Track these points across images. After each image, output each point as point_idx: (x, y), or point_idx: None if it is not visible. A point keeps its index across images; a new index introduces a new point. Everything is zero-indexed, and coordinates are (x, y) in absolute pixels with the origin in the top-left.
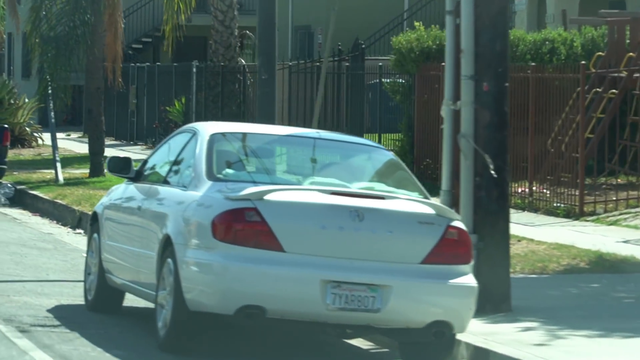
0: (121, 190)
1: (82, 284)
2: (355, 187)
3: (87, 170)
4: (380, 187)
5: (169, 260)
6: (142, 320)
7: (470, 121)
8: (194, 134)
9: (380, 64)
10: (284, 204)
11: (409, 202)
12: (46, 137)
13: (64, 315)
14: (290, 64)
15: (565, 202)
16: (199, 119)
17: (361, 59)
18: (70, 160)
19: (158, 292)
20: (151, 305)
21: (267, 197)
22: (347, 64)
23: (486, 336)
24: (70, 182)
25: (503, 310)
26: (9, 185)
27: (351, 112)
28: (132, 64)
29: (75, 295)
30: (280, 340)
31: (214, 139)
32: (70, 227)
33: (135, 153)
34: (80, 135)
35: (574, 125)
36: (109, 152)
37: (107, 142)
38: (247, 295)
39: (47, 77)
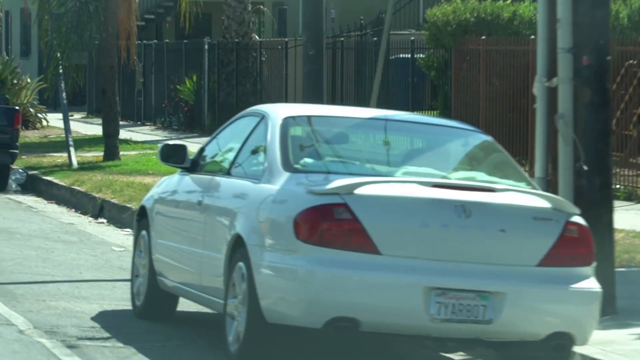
0: (174, 182)
1: (121, 284)
2: (453, 178)
3: (100, 153)
4: (481, 177)
5: (241, 264)
6: (202, 329)
7: (569, 100)
8: (262, 118)
9: (412, 38)
10: (379, 199)
11: (521, 194)
12: (51, 118)
13: (112, 324)
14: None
15: (622, 183)
16: (211, 98)
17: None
18: (79, 143)
19: (227, 300)
20: (206, 309)
21: (358, 190)
22: (375, 38)
23: (603, 346)
24: (84, 167)
25: (609, 313)
26: (20, 170)
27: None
28: (138, 42)
29: (117, 299)
30: (356, 349)
31: (287, 123)
32: (91, 216)
33: (144, 134)
34: (84, 115)
35: (624, 101)
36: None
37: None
38: (337, 305)
39: (58, 55)
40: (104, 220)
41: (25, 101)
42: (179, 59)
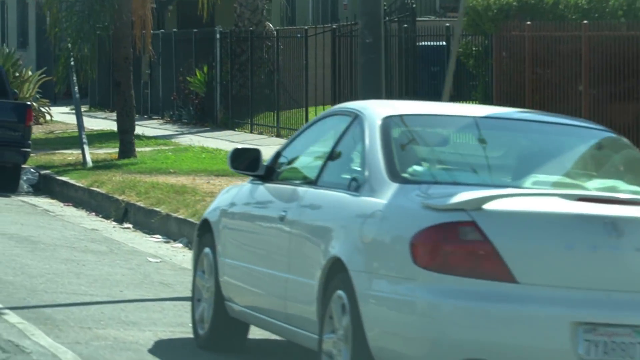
0: (245, 192)
1: (169, 304)
2: (592, 187)
3: (112, 150)
4: (625, 187)
5: (341, 292)
6: None
7: None
8: (355, 117)
9: (448, 24)
10: (513, 216)
11: None
12: (54, 111)
13: (174, 358)
14: (335, 26)
15: None
16: (224, 90)
17: (412, 20)
18: (88, 139)
19: (323, 335)
20: (280, 338)
21: (487, 205)
22: (406, 25)
23: None
24: (99, 165)
25: None
26: (31, 170)
27: (407, 79)
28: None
29: (170, 324)
30: None
31: (388, 124)
32: (115, 221)
33: (153, 128)
34: (86, 109)
35: None
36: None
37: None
38: (467, 345)
39: (69, 46)
40: (130, 226)
41: (27, 95)
42: (188, 49)
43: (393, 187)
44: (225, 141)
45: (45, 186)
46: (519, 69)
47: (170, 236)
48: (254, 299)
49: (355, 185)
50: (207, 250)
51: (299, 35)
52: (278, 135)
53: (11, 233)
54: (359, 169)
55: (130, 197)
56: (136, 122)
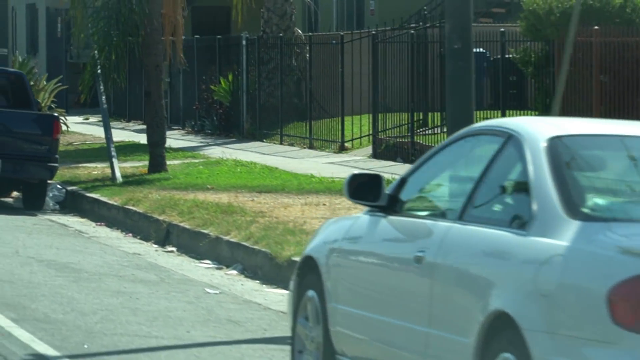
0: (362, 225)
1: (246, 348)
2: None
3: (138, 163)
4: None
5: (508, 355)
6: None
7: None
8: (509, 137)
9: (502, 29)
10: None
11: None
12: (70, 121)
13: None
14: (374, 31)
15: None
16: (251, 99)
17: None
18: (102, 151)
19: None
20: None
21: None
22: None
23: None
24: (129, 181)
25: None
26: (57, 186)
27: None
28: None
29: None
30: None
31: (555, 147)
32: (155, 243)
33: (176, 139)
34: (100, 119)
35: None
36: (139, 138)
37: (135, 126)
38: None
39: (96, 53)
40: (173, 249)
41: (43, 104)
42: (210, 56)
43: (573, 225)
44: (256, 153)
45: (73, 203)
46: (585, 77)
47: (221, 261)
48: (378, 355)
49: (520, 223)
50: (311, 293)
51: (334, 42)
52: (311, 147)
53: (48, 259)
54: (522, 202)
55: (171, 217)
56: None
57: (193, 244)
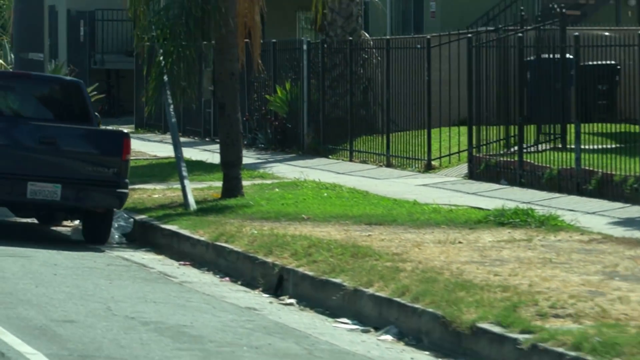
0: None
1: None
2: None
3: (203, 185)
4: None
5: None
6: None
7: None
8: None
9: (576, 33)
10: None
11: None
12: None
13: None
14: (471, 33)
15: None
16: (312, 109)
17: (562, 28)
18: (160, 169)
19: None
20: None
21: None
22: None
23: None
24: (205, 208)
25: None
26: (124, 215)
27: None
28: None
29: None
30: None
31: None
32: (264, 291)
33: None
34: (131, 130)
35: None
36: (191, 154)
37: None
38: None
39: (161, 60)
40: (291, 301)
41: None
42: (264, 62)
43: None
44: (328, 172)
45: (143, 236)
46: None
47: (363, 321)
48: None
49: None
50: None
51: (418, 46)
52: (389, 165)
53: (153, 320)
54: None
55: (283, 259)
56: (199, 147)
57: (319, 296)
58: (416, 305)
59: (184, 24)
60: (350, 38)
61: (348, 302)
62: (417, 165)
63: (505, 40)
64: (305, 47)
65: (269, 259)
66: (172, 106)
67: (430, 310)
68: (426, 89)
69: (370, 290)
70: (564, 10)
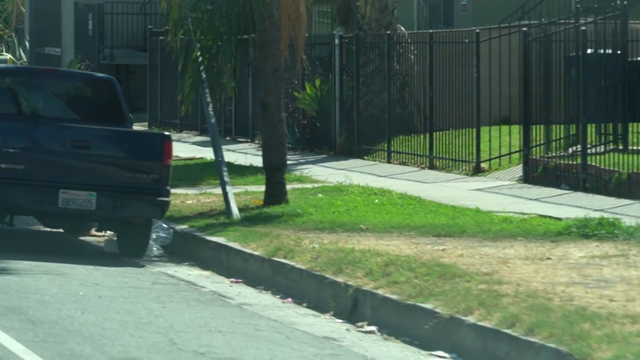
0: None
1: None
2: None
3: (239, 190)
4: None
5: None
6: None
7: None
8: None
9: None
10: None
11: None
12: None
13: None
14: (525, 26)
15: None
16: (344, 108)
17: (623, 22)
18: (187, 171)
19: None
20: None
21: None
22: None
23: None
24: (250, 217)
25: None
26: (163, 225)
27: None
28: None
29: None
30: None
31: None
32: (336, 315)
33: (251, 155)
34: (144, 128)
35: None
36: (205, 153)
37: (192, 137)
38: None
39: (198, 54)
40: (372, 328)
41: None
42: (290, 57)
43: None
44: (368, 175)
45: (183, 248)
46: None
47: (463, 354)
48: None
49: None
50: None
51: (466, 40)
52: (432, 167)
53: (222, 355)
54: None
55: (357, 279)
56: (224, 146)
57: (405, 324)
58: (532, 339)
59: (225, 16)
60: (389, 32)
61: (442, 331)
62: (463, 168)
63: (567, 34)
64: (337, 41)
65: (340, 279)
66: (211, 105)
67: (552, 345)
68: (475, 85)
69: (471, 319)
70: (625, 1)
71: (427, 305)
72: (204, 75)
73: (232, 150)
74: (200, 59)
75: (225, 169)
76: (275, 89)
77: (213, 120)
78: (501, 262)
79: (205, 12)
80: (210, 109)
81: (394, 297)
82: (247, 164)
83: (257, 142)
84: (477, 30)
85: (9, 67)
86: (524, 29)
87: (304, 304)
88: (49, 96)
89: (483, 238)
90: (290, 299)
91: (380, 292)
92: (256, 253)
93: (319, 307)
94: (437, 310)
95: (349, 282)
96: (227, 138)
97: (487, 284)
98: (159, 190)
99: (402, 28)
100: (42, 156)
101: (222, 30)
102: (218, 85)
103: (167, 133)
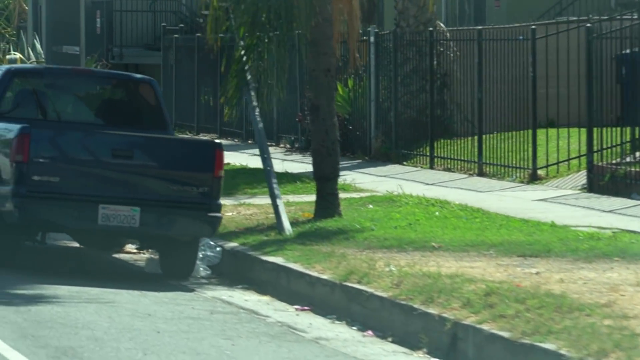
0: None
1: None
2: None
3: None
4: None
5: None
6: None
7: None
8: None
9: None
10: None
11: None
12: None
13: None
14: (590, 22)
15: None
16: (381, 110)
17: None
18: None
19: None
20: None
21: None
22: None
23: None
24: (303, 233)
25: None
26: (210, 243)
27: None
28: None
29: None
30: None
31: None
32: (428, 352)
33: (279, 160)
34: None
35: None
36: (231, 158)
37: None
38: None
39: (242, 53)
40: None
41: None
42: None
43: None
44: (415, 182)
45: (234, 269)
46: None
47: None
48: None
49: None
50: None
51: (521, 37)
52: (481, 174)
53: None
54: None
55: (454, 310)
56: (244, 151)
57: None
58: None
59: (274, 12)
60: (431, 29)
61: None
62: (518, 175)
63: (632, 30)
64: (372, 38)
65: (432, 310)
66: (257, 109)
67: None
68: (530, 86)
69: None
70: None
71: (547, 346)
72: (248, 77)
73: (258, 155)
74: (244, 59)
75: (275, 181)
76: (328, 91)
77: (260, 125)
78: (611, 290)
79: (246, 9)
80: (257, 113)
81: (504, 334)
82: (282, 170)
83: (282, 146)
84: (533, 27)
85: (43, 69)
86: (588, 24)
87: (389, 338)
88: (84, 100)
89: (574, 258)
90: (370, 332)
91: (485, 327)
92: (324, 277)
93: (407, 342)
94: (562, 352)
95: (445, 315)
96: (249, 141)
97: (611, 318)
98: (209, 205)
99: (442, 25)
100: (79, 167)
101: (268, 27)
102: (265, 87)
103: (218, 141)
